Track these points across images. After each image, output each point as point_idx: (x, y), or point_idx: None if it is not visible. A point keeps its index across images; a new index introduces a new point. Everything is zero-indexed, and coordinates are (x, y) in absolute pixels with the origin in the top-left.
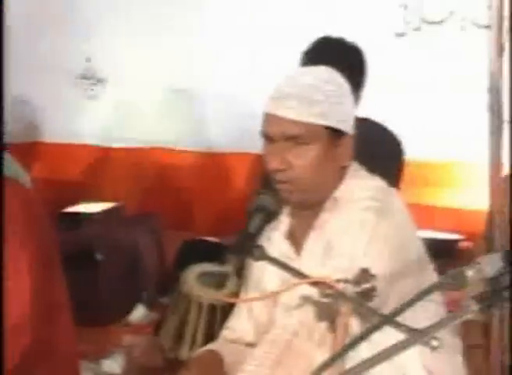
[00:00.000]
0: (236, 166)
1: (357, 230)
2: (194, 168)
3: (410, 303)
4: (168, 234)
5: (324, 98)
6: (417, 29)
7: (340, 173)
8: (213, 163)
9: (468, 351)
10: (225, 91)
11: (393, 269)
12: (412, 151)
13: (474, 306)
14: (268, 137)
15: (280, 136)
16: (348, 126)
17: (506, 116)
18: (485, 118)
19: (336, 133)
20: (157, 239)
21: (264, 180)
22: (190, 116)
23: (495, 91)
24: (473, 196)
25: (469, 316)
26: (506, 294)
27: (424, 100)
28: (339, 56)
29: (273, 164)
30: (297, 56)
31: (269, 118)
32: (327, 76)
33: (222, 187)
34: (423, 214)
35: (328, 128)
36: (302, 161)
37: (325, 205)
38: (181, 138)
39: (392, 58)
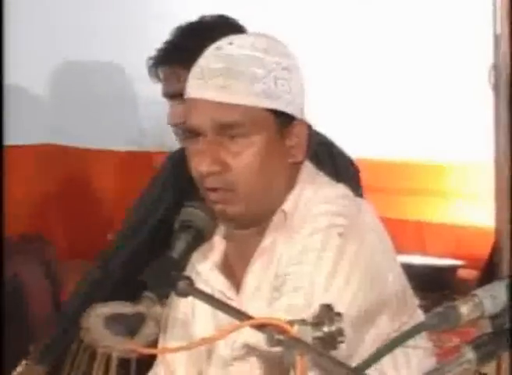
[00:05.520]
0: None
1: (316, 257)
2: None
3: (385, 351)
4: (67, 265)
5: (265, 72)
6: None
7: (291, 175)
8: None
9: None
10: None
11: (365, 306)
12: (393, 148)
13: (470, 354)
14: (193, 133)
15: (210, 127)
16: (298, 110)
17: None
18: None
19: (283, 119)
20: (49, 272)
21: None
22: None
23: (502, 66)
24: (476, 208)
25: (462, 369)
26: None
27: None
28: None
29: (202, 166)
30: None
31: (193, 105)
32: (266, 44)
33: None
34: (409, 233)
35: (273, 112)
36: (242, 160)
37: (272, 221)
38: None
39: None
